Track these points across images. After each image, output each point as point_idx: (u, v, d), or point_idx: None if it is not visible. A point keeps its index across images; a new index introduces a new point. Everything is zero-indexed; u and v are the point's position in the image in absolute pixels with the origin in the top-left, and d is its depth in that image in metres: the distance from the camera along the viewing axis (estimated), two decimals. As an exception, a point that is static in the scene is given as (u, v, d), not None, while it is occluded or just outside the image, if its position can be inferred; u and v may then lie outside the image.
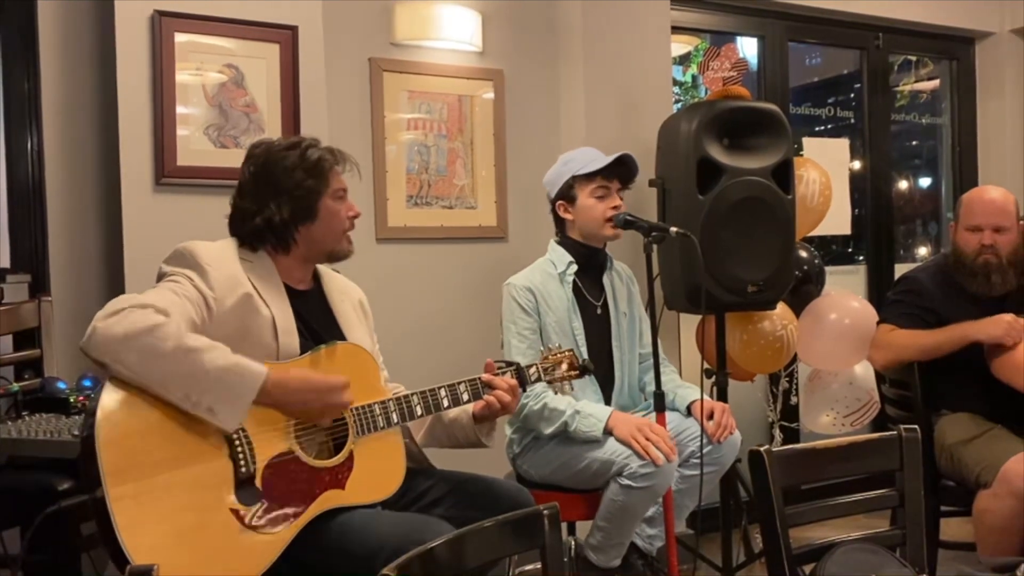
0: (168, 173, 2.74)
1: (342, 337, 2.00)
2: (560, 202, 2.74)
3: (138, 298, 1.71)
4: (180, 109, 2.75)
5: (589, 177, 2.68)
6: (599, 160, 2.68)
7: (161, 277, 1.85)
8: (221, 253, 1.89)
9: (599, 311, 2.73)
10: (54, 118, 2.81)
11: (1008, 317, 2.72)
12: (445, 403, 2.01)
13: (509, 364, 2.13)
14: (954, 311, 2.84)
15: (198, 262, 1.83)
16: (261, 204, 1.94)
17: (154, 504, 1.61)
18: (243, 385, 1.70)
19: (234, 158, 2.77)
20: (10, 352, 2.67)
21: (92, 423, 1.61)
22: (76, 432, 2.05)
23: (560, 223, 2.77)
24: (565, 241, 2.75)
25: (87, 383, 2.41)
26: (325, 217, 1.97)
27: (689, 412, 2.65)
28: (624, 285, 2.81)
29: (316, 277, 2.07)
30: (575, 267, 2.70)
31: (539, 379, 2.17)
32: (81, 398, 2.32)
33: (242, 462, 1.72)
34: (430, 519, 1.85)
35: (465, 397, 2.03)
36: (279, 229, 1.94)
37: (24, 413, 2.29)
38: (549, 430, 2.54)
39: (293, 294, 1.96)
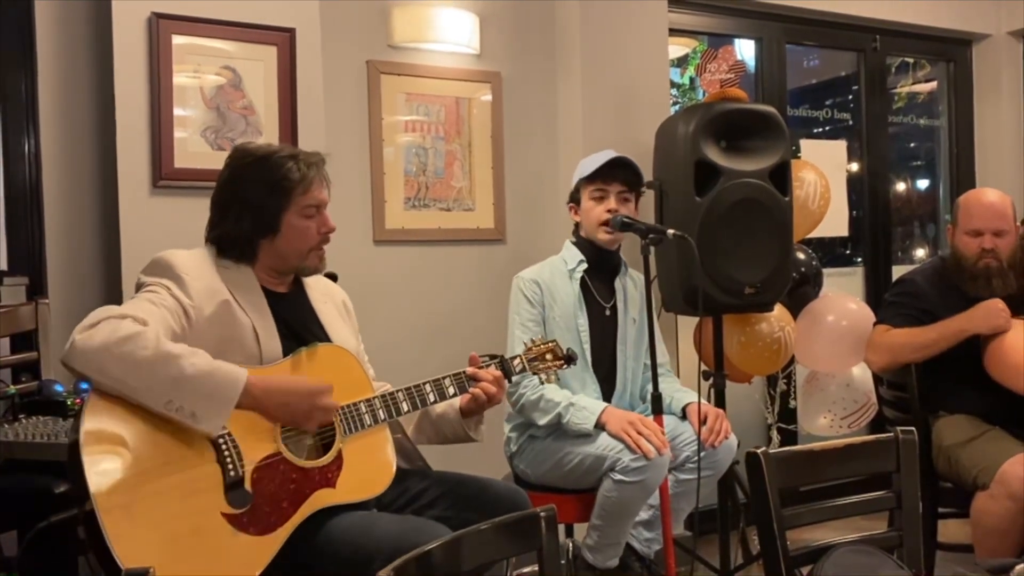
0: (165, 175, 2.74)
1: (325, 337, 2.00)
2: (571, 203, 2.81)
3: (116, 309, 1.71)
4: (177, 111, 2.75)
5: (590, 179, 2.71)
6: (597, 163, 2.69)
7: (139, 287, 1.84)
8: (198, 262, 1.88)
9: (608, 312, 2.74)
10: (51, 120, 2.81)
11: (1000, 304, 2.73)
12: (431, 397, 2.01)
13: (492, 357, 2.14)
14: (951, 313, 2.84)
15: (175, 272, 1.82)
16: (223, 215, 1.94)
17: (145, 513, 1.61)
18: (225, 388, 1.69)
19: (231, 160, 2.78)
20: (7, 355, 2.68)
21: (77, 435, 1.60)
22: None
23: (576, 223, 2.81)
24: (579, 241, 2.79)
25: (84, 386, 2.40)
26: (288, 233, 1.94)
27: (684, 415, 2.65)
28: (638, 292, 2.81)
29: (296, 279, 2.06)
30: (585, 266, 2.72)
31: (523, 370, 2.18)
32: (78, 400, 2.32)
33: (230, 466, 1.72)
34: (427, 521, 1.85)
35: (451, 391, 2.03)
36: (239, 241, 1.93)
37: (21, 416, 2.29)
38: (543, 420, 2.55)
39: (273, 297, 1.95)
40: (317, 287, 2.10)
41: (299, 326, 1.97)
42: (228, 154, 2.00)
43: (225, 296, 1.86)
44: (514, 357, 2.17)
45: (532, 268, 2.75)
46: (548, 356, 2.21)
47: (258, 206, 1.92)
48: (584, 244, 2.76)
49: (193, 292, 1.82)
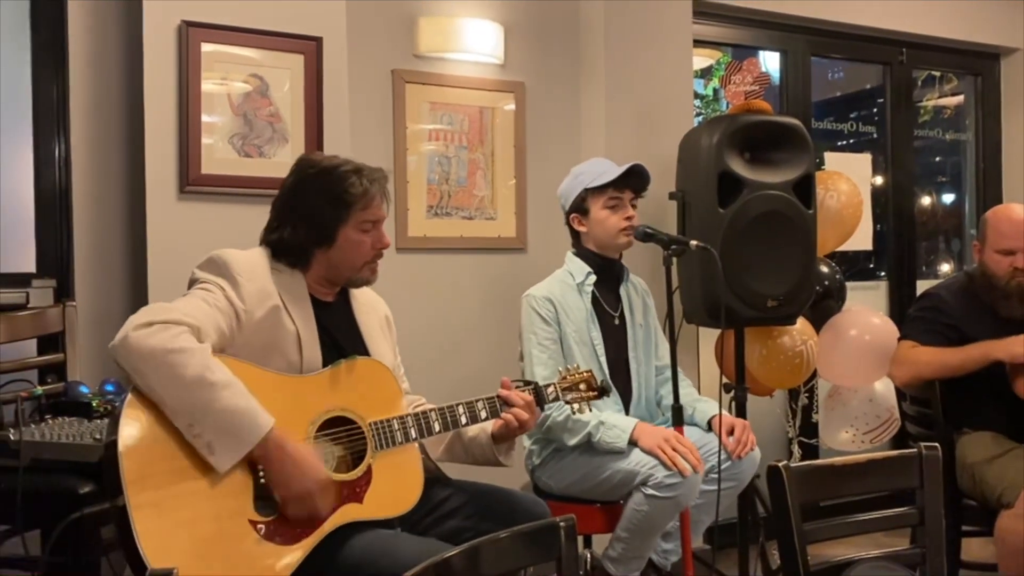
0: (192, 181, 2.77)
1: (365, 350, 2.01)
2: (574, 215, 2.76)
3: (173, 311, 1.73)
4: (205, 118, 2.78)
5: (601, 189, 2.69)
6: (610, 172, 2.68)
7: (193, 283, 1.87)
8: (253, 264, 1.90)
9: (617, 321, 2.73)
10: (81, 125, 2.85)
11: None
12: (463, 420, 2.01)
13: (527, 383, 2.14)
14: (977, 329, 2.82)
15: (231, 273, 1.84)
16: (281, 221, 1.97)
17: (174, 513, 1.63)
18: (247, 431, 1.69)
19: (258, 167, 2.81)
20: (34, 356, 2.71)
21: (115, 431, 1.62)
22: (98, 436, 2.08)
23: (575, 235, 2.78)
24: (582, 252, 2.77)
25: (109, 388, 2.43)
26: (344, 246, 1.96)
27: (710, 427, 2.64)
28: (640, 297, 2.81)
29: (344, 289, 2.08)
30: (593, 277, 2.71)
31: (557, 399, 2.17)
32: (103, 402, 2.35)
33: (261, 473, 1.73)
34: (450, 546, 1.84)
35: (483, 414, 2.03)
36: (294, 249, 1.95)
37: (47, 416, 2.31)
38: (573, 441, 2.54)
39: (319, 306, 1.97)
40: (362, 299, 2.11)
41: (341, 337, 1.98)
42: (294, 162, 2.03)
43: (276, 301, 1.88)
44: (548, 385, 2.17)
45: (540, 285, 2.72)
46: (582, 386, 2.21)
47: (316, 217, 1.94)
48: (588, 255, 2.74)
49: (246, 295, 1.83)
